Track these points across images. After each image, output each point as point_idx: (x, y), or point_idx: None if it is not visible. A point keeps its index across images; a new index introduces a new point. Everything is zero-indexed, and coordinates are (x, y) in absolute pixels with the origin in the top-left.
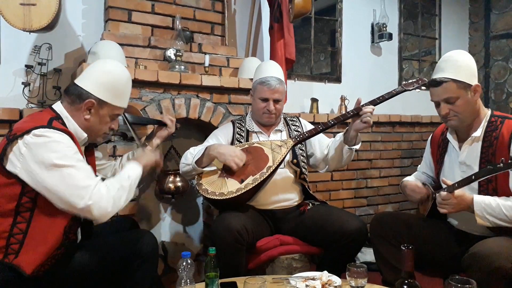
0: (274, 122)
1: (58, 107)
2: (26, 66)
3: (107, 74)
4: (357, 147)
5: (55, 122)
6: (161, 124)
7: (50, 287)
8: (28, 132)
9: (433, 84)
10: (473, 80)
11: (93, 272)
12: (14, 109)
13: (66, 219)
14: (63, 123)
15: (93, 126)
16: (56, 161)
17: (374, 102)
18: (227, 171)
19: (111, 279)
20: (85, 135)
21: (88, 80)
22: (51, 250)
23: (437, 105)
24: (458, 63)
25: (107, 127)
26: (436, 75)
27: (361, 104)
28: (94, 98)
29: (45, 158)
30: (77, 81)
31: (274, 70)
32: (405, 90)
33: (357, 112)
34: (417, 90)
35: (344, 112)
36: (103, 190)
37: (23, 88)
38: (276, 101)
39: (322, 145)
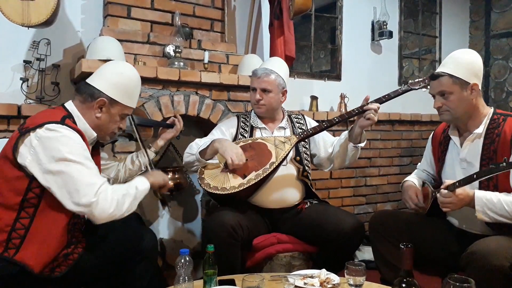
0: (264, 114)
1: (70, 106)
2: (24, 61)
3: (119, 75)
4: (362, 145)
5: (67, 120)
6: (167, 126)
7: (52, 283)
8: (40, 126)
9: (432, 77)
10: (472, 79)
11: (94, 267)
12: (12, 105)
13: (67, 217)
14: (74, 122)
15: (103, 125)
16: (65, 155)
17: (380, 101)
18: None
19: (111, 275)
20: (95, 134)
21: (101, 80)
22: (57, 248)
23: (433, 97)
24: (459, 60)
25: (116, 126)
26: (437, 70)
27: (368, 102)
28: (106, 97)
29: (55, 152)
30: (89, 81)
31: (269, 63)
32: (412, 89)
33: (362, 110)
34: (424, 89)
35: (348, 110)
36: (109, 191)
37: (22, 84)
38: (264, 91)
39: (327, 144)
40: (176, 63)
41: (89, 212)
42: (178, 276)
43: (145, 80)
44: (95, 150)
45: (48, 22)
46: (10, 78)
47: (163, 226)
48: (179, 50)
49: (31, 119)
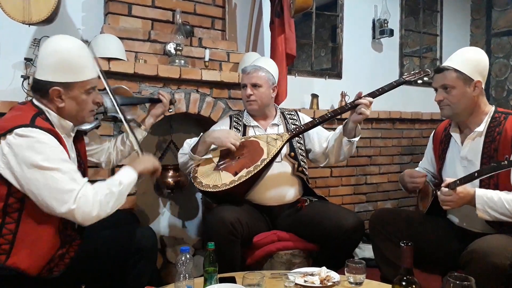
0: (257, 110)
1: (38, 102)
2: (25, 59)
3: (55, 54)
4: (357, 139)
5: (38, 119)
6: (154, 101)
7: (52, 283)
8: (10, 131)
9: (436, 70)
10: (477, 76)
11: (92, 266)
12: (13, 102)
13: (57, 218)
14: (47, 118)
15: (73, 110)
16: (40, 163)
17: (374, 94)
18: (222, 163)
19: (110, 273)
20: (71, 124)
21: (42, 70)
22: (51, 250)
23: (436, 91)
24: (466, 56)
25: (90, 103)
26: (443, 64)
27: (361, 96)
28: (57, 84)
29: (28, 160)
30: (35, 76)
31: (258, 61)
32: (406, 82)
33: (355, 105)
34: (419, 81)
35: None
36: (90, 194)
37: (22, 81)
38: (254, 86)
39: (321, 138)
40: (177, 61)
41: (71, 218)
42: (179, 274)
43: (145, 78)
44: (79, 138)
45: (49, 20)
46: (11, 75)
47: (164, 224)
48: (180, 48)
49: (0, 122)
